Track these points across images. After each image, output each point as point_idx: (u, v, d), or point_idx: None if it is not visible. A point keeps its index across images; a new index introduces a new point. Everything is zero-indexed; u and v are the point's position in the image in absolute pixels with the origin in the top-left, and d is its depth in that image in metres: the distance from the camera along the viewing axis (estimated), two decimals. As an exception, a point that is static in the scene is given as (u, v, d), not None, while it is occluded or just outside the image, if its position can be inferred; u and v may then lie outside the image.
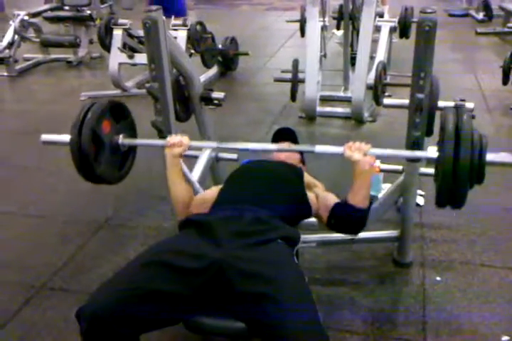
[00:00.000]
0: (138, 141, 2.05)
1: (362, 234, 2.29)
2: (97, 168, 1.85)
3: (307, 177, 2.02)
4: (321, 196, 1.92)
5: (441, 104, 2.16)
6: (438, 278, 2.23)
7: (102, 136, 1.86)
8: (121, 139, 1.94)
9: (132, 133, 2.06)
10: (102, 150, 1.88)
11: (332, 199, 1.87)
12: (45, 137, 2.02)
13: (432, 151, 1.65)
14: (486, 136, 1.57)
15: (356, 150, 1.73)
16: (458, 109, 1.61)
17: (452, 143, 1.51)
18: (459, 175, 1.50)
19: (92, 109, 1.85)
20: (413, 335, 1.93)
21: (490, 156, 1.56)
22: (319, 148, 1.80)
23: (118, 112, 1.99)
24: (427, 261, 2.35)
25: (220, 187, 1.96)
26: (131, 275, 1.48)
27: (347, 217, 1.76)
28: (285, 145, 2.20)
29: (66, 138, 1.86)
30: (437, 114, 2.03)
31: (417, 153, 1.78)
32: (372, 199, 1.83)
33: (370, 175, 1.76)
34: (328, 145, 1.84)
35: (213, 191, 1.95)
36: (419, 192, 2.74)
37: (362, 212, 1.75)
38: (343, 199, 1.80)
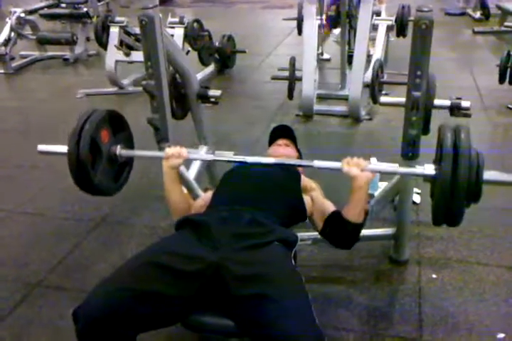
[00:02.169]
0: (136, 152, 2.01)
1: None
2: (94, 178, 1.80)
3: (304, 180, 2.01)
4: (318, 202, 1.92)
5: (437, 102, 2.16)
6: (434, 276, 2.24)
7: (100, 145, 1.82)
8: (119, 150, 1.90)
9: (130, 145, 2.01)
10: (99, 160, 1.83)
11: (329, 206, 1.88)
12: (42, 147, 1.98)
13: (429, 168, 1.64)
14: (482, 154, 1.56)
15: (354, 166, 1.71)
16: (456, 126, 1.60)
17: (450, 163, 1.50)
18: (457, 194, 1.50)
19: (91, 117, 1.81)
20: (409, 333, 1.94)
21: (487, 175, 1.55)
22: (318, 163, 1.79)
23: (116, 123, 1.95)
24: (423, 259, 2.35)
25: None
26: (127, 277, 1.47)
27: (340, 230, 1.78)
28: (283, 146, 2.20)
29: (63, 148, 1.82)
30: (434, 112, 2.04)
31: (415, 170, 1.77)
32: (370, 197, 1.83)
33: (366, 190, 1.74)
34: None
35: (206, 197, 1.97)
36: (416, 190, 2.74)
37: (356, 226, 1.75)
38: (339, 208, 1.81)
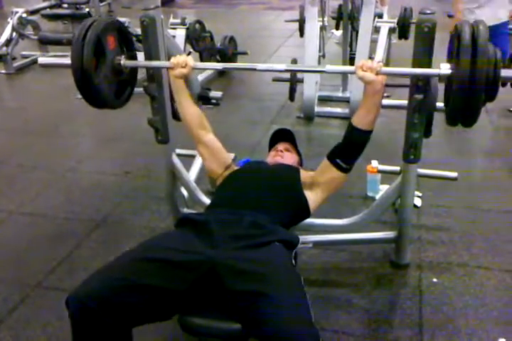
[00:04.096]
0: (140, 62, 1.99)
1: (359, 235, 2.31)
2: (96, 79, 1.76)
3: (303, 175, 2.02)
4: (315, 172, 1.97)
5: (440, 105, 2.15)
6: (435, 280, 2.22)
7: (105, 49, 1.79)
8: (124, 60, 1.87)
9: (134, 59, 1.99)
10: (103, 65, 1.79)
11: (321, 163, 1.94)
12: (43, 60, 1.95)
13: (444, 67, 1.60)
14: (499, 50, 1.52)
15: (368, 70, 1.71)
16: (474, 22, 1.54)
17: (469, 55, 1.45)
18: (475, 88, 1.45)
19: (100, 19, 1.80)
20: (409, 337, 1.93)
21: (503, 72, 1.52)
22: (330, 68, 1.77)
23: (123, 37, 1.93)
24: (424, 263, 2.34)
25: (227, 164, 2.03)
26: (122, 268, 1.47)
27: (355, 144, 1.83)
28: (283, 152, 2.20)
29: (65, 60, 1.80)
30: (436, 114, 2.03)
31: (430, 71, 1.72)
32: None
33: (382, 94, 1.76)
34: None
35: (226, 155, 2.06)
36: (417, 193, 2.73)
37: (368, 133, 1.82)
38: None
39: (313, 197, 1.92)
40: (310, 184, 1.96)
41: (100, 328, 1.41)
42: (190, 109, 1.97)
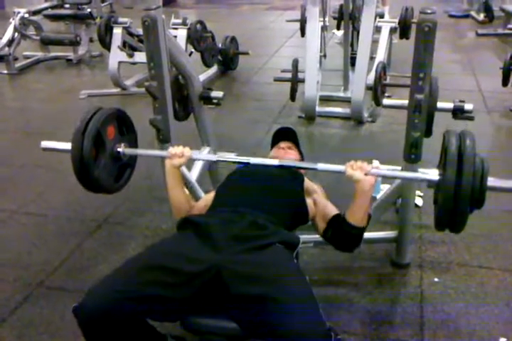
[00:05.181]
0: (139, 151, 2.04)
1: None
2: (95, 171, 1.81)
3: (307, 183, 2.01)
4: (320, 204, 1.91)
5: (440, 105, 2.15)
6: (436, 280, 2.23)
7: (105, 140, 1.84)
8: (123, 148, 1.93)
9: (134, 146, 2.03)
10: (102, 155, 1.84)
11: (331, 209, 1.87)
12: (45, 144, 2.01)
13: (433, 174, 1.64)
14: (487, 160, 1.56)
15: (358, 169, 1.69)
16: (461, 132, 1.60)
17: (454, 169, 1.50)
18: (460, 200, 1.50)
19: (99, 111, 1.84)
20: (411, 337, 1.93)
21: (491, 181, 1.55)
22: (321, 166, 1.79)
23: (123, 123, 1.98)
24: (425, 263, 2.34)
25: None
26: (128, 278, 1.47)
27: (344, 234, 1.76)
28: (285, 149, 2.19)
29: (66, 145, 1.85)
30: (437, 114, 2.03)
31: (419, 175, 1.77)
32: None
33: (370, 194, 1.73)
34: (330, 161, 1.80)
35: (209, 200, 1.94)
36: (418, 193, 2.73)
37: (359, 230, 1.73)
38: (342, 212, 1.79)
39: (311, 206, 1.92)
40: (311, 199, 1.94)
41: (110, 334, 1.43)
42: (181, 199, 1.90)
